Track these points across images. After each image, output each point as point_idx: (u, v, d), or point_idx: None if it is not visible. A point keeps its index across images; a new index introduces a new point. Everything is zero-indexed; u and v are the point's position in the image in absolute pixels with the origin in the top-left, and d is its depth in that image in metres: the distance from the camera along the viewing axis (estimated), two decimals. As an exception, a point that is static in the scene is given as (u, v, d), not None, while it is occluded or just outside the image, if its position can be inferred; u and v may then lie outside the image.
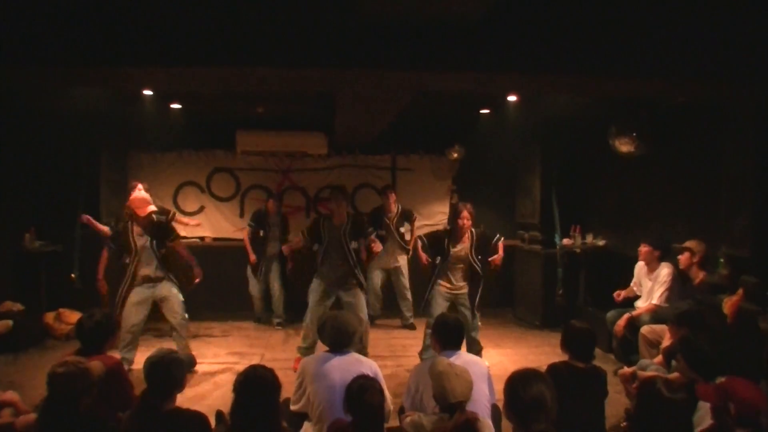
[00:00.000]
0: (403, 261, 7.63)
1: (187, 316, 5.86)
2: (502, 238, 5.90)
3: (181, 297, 5.80)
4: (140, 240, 5.67)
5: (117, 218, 6.90)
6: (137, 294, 5.67)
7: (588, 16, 3.76)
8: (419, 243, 6.29)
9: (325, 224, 5.98)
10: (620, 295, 6.05)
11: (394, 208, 7.52)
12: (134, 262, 5.66)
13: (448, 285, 5.74)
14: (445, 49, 3.67)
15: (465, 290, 5.74)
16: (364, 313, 5.89)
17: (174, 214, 7.19)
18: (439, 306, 5.63)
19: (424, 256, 6.40)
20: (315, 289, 5.92)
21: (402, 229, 7.55)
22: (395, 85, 4.34)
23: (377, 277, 7.64)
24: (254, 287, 7.68)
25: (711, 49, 3.78)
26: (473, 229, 5.73)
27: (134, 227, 5.68)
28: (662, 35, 3.78)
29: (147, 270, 5.70)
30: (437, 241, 5.83)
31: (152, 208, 5.77)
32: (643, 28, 3.77)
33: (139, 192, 6.64)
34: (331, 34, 3.63)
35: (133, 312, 5.62)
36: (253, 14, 3.61)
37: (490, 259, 5.78)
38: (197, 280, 6.03)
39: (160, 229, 5.81)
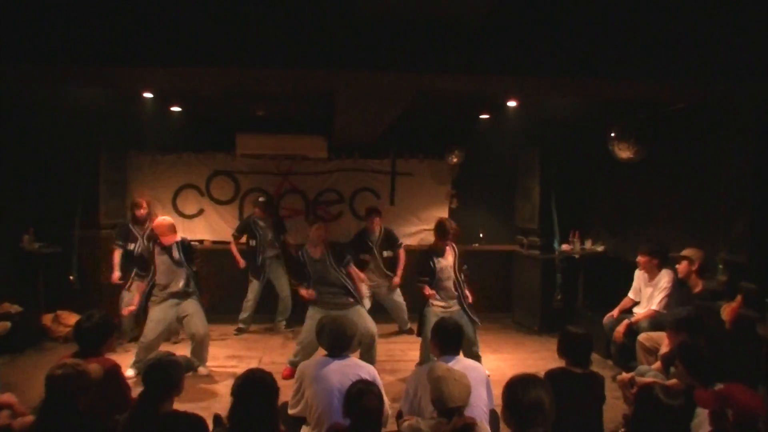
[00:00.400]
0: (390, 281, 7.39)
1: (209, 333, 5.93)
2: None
3: (203, 313, 5.87)
4: (160, 258, 5.75)
5: (119, 232, 6.91)
6: (160, 311, 5.72)
7: (587, 18, 3.77)
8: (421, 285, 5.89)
9: (305, 256, 5.90)
10: (614, 315, 5.98)
11: (378, 231, 7.36)
12: (153, 279, 5.77)
13: (442, 304, 5.72)
14: (444, 51, 3.68)
15: (457, 307, 5.72)
16: (372, 325, 5.79)
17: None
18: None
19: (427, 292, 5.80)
20: (312, 316, 5.71)
21: (386, 254, 7.36)
22: (394, 86, 4.34)
23: (366, 303, 7.03)
24: (252, 291, 7.53)
25: (709, 51, 3.80)
26: (455, 245, 5.79)
27: (156, 246, 5.78)
28: (660, 37, 3.79)
29: (172, 286, 5.77)
30: (425, 260, 5.82)
31: (178, 238, 5.87)
32: (641, 30, 3.79)
33: (145, 206, 6.59)
34: (330, 35, 3.64)
35: (152, 328, 5.68)
36: (251, 14, 3.62)
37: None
38: None
39: (185, 249, 5.87)
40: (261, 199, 7.65)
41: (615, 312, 5.97)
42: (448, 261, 5.74)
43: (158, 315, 5.69)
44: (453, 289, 5.76)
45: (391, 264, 7.39)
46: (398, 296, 7.46)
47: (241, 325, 7.53)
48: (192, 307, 5.78)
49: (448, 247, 5.77)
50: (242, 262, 7.49)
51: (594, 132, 6.82)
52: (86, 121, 7.28)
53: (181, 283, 5.77)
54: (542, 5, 3.76)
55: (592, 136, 7.03)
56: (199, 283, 5.94)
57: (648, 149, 5.87)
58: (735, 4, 3.80)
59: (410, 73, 3.80)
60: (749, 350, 4.26)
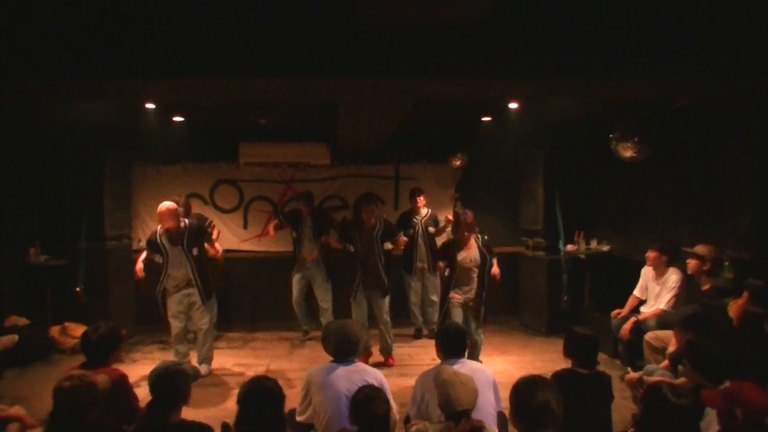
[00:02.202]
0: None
1: (214, 330, 6.07)
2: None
3: (206, 306, 5.94)
4: (169, 245, 5.80)
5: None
6: (174, 304, 5.86)
7: (586, 18, 3.77)
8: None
9: (356, 231, 6.21)
10: (620, 314, 5.98)
11: (424, 210, 7.47)
12: (165, 265, 5.82)
13: (459, 294, 5.80)
14: (445, 56, 3.68)
15: (472, 295, 5.79)
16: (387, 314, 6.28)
17: (211, 221, 7.01)
18: (457, 318, 5.67)
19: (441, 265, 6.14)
20: (360, 300, 6.27)
21: (431, 229, 7.43)
22: (395, 93, 4.35)
23: (416, 289, 7.49)
24: (295, 288, 7.39)
25: (710, 48, 3.79)
26: (478, 236, 5.83)
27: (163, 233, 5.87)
28: (662, 36, 3.78)
29: (178, 273, 5.83)
30: (447, 251, 5.93)
31: (180, 221, 5.85)
32: (642, 30, 3.78)
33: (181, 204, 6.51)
34: (330, 43, 3.65)
35: (174, 317, 5.88)
36: (252, 25, 3.63)
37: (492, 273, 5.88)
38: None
39: (190, 234, 5.87)
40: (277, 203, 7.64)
41: (622, 311, 5.95)
42: (469, 254, 5.80)
43: (172, 310, 5.86)
44: (474, 284, 5.82)
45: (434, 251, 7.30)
46: (437, 281, 7.31)
47: (305, 328, 7.57)
48: (197, 296, 5.88)
49: (471, 240, 5.86)
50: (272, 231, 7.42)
51: (597, 131, 6.82)
52: (90, 134, 7.32)
53: (182, 272, 5.82)
54: (540, 7, 3.76)
55: (594, 135, 7.02)
56: (205, 272, 5.98)
57: (651, 148, 5.87)
58: (735, 2, 3.80)
59: (411, 79, 3.81)
60: (757, 347, 4.24)
